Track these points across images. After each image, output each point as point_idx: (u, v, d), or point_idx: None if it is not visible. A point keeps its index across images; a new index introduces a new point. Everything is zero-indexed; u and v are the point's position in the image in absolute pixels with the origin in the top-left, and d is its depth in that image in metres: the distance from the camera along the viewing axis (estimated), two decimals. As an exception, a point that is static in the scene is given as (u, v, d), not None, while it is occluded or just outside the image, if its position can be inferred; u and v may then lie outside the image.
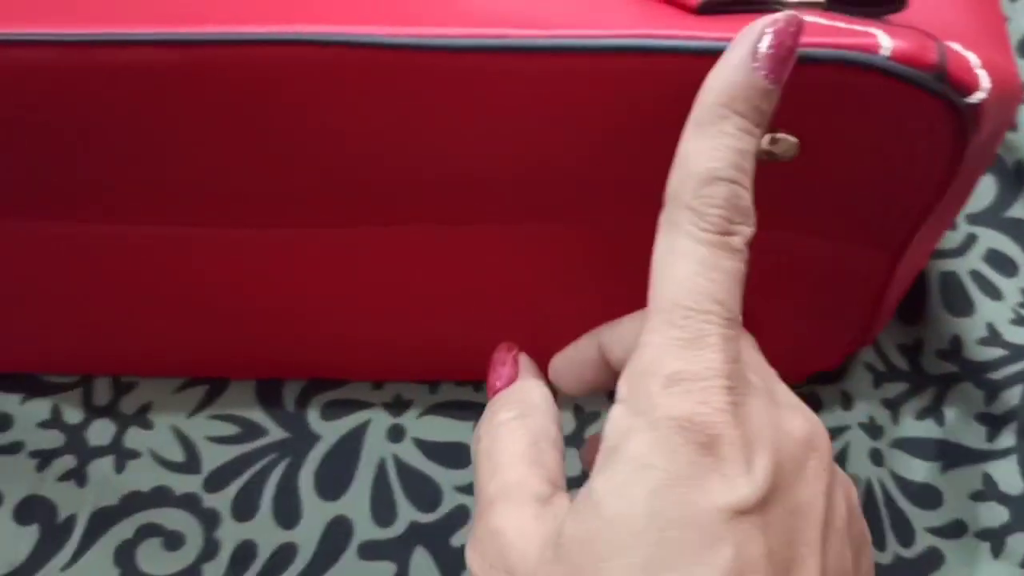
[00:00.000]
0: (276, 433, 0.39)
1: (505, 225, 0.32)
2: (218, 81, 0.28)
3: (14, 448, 0.38)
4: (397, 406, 0.39)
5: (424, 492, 0.38)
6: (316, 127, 0.29)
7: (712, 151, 0.24)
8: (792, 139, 0.28)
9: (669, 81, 0.27)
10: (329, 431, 0.39)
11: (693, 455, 0.22)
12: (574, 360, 0.30)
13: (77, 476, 0.38)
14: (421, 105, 0.28)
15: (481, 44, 0.27)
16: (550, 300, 0.35)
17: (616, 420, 0.24)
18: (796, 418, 0.24)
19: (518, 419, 0.27)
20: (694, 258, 0.23)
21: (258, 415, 0.39)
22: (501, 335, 0.37)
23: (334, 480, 0.38)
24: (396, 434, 0.39)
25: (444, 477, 0.38)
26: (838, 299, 0.36)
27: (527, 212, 0.32)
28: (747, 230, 0.24)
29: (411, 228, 0.33)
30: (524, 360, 0.30)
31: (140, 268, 0.35)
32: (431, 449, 0.38)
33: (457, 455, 0.38)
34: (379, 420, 0.39)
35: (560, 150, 0.29)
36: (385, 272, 0.35)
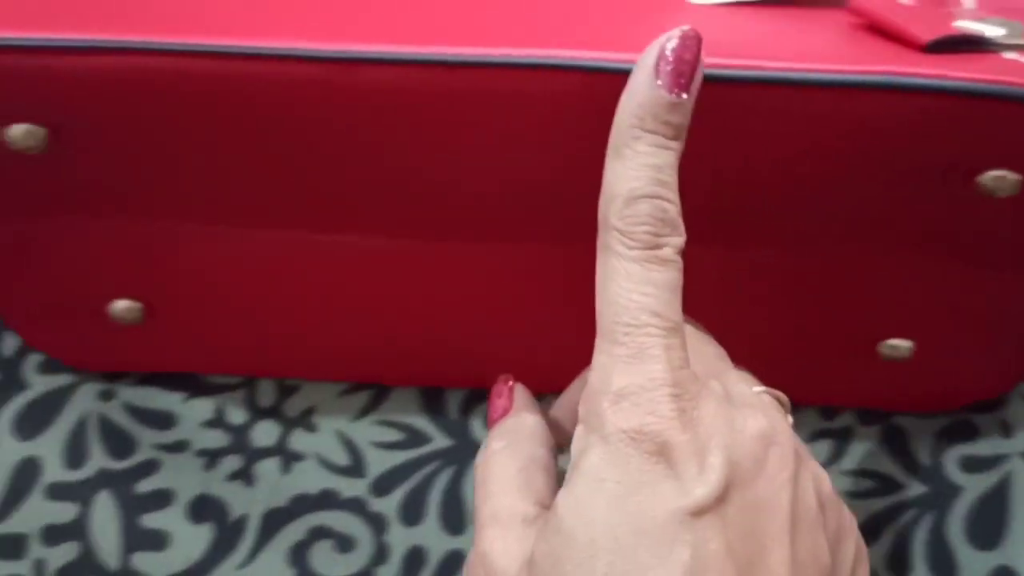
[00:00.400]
0: (441, 440, 0.39)
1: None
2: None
3: (181, 447, 0.39)
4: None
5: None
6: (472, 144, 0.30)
7: (630, 171, 0.25)
8: (1014, 177, 0.28)
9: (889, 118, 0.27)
10: (493, 440, 0.39)
11: (645, 464, 0.23)
12: (571, 399, 0.31)
13: (245, 476, 0.38)
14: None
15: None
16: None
17: (576, 440, 0.25)
18: (752, 416, 0.25)
19: (508, 448, 0.29)
20: (627, 276, 0.24)
21: (422, 422, 0.40)
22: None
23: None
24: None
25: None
26: (1002, 328, 0.37)
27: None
28: (676, 240, 0.25)
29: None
30: (519, 391, 0.32)
31: (309, 274, 0.36)
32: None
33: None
34: (542, 431, 0.39)
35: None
36: (542, 289, 0.35)
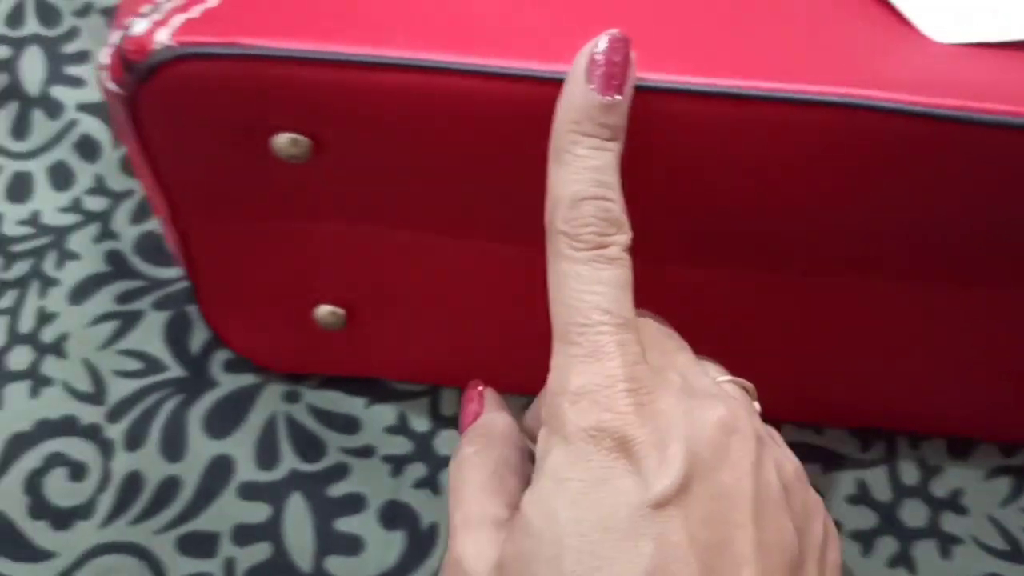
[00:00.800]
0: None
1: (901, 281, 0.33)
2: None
3: (367, 452, 0.39)
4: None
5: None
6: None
7: (571, 175, 0.25)
8: None
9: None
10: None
11: (606, 460, 0.24)
12: (540, 406, 0.31)
13: (431, 484, 0.39)
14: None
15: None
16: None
17: (539, 442, 0.26)
18: (713, 406, 0.25)
19: (479, 453, 0.29)
20: (576, 277, 0.25)
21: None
22: (844, 381, 0.38)
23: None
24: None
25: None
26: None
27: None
28: (622, 238, 0.26)
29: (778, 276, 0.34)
30: (489, 395, 0.32)
31: (499, 287, 0.36)
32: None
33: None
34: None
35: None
36: (730, 310, 0.36)
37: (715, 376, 0.28)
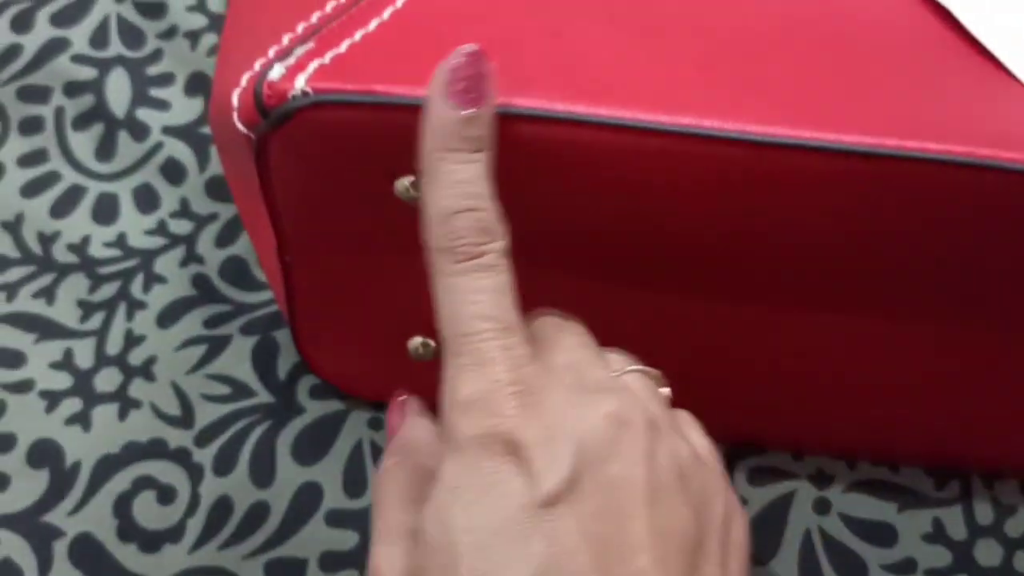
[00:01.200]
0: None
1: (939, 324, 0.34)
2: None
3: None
4: (821, 479, 0.40)
5: (851, 567, 0.39)
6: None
7: (441, 191, 0.26)
8: None
9: None
10: (756, 496, 0.40)
11: (497, 465, 0.24)
12: None
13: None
14: None
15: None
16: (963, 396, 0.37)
17: (439, 455, 0.26)
18: (603, 400, 0.26)
19: (399, 464, 0.29)
20: (455, 290, 0.26)
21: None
22: (918, 421, 0.39)
23: (761, 546, 0.39)
24: (822, 507, 0.40)
25: (871, 554, 0.39)
26: None
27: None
28: (497, 244, 0.26)
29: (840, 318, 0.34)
30: (411, 405, 0.32)
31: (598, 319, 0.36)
32: (857, 525, 0.40)
33: (882, 533, 0.39)
34: (805, 491, 0.40)
35: None
36: (813, 350, 0.36)
37: (620, 368, 0.28)
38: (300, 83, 0.28)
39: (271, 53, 0.30)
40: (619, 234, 0.31)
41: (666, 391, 0.29)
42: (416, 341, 0.37)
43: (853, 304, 0.34)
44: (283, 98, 0.28)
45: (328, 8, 0.32)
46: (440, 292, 0.26)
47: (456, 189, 0.26)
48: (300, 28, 0.31)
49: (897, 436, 0.40)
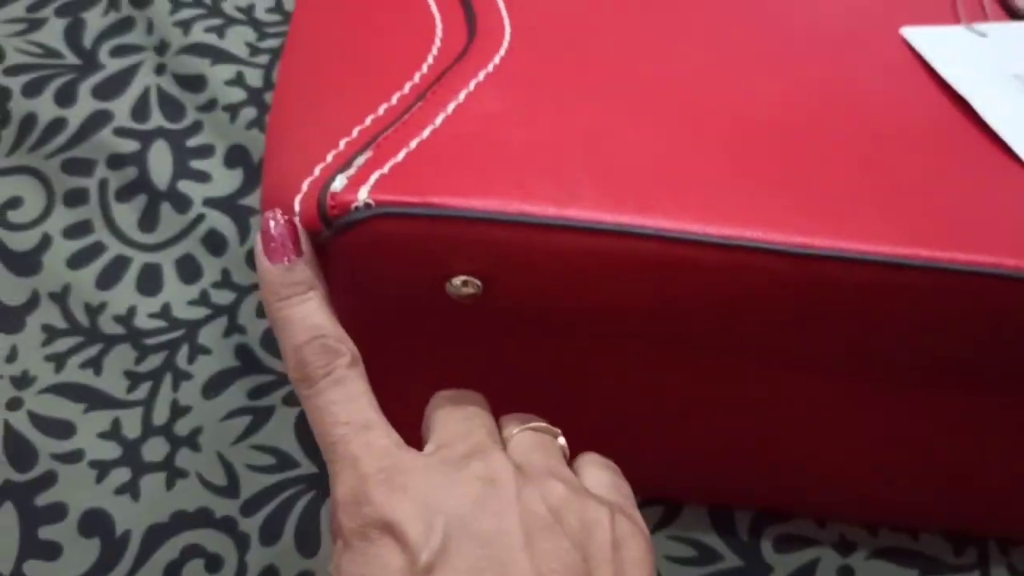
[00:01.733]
0: (731, 560, 0.41)
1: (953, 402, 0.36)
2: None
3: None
4: (844, 547, 0.42)
5: (874, 633, 0.40)
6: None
7: (286, 332, 0.29)
8: None
9: None
10: (781, 564, 0.42)
11: (378, 548, 0.26)
12: None
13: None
14: None
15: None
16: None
17: (334, 557, 0.28)
18: (472, 464, 0.28)
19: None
20: (316, 409, 0.29)
21: (713, 540, 0.42)
22: (935, 490, 0.40)
23: (788, 612, 0.41)
24: (846, 574, 0.41)
25: (893, 621, 0.41)
26: None
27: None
28: (343, 360, 0.29)
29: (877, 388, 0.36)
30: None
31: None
32: (880, 592, 0.41)
33: (905, 600, 0.41)
34: (828, 559, 0.42)
35: None
36: (844, 422, 0.38)
37: (515, 430, 0.31)
38: (363, 195, 0.29)
39: (329, 158, 0.31)
40: (665, 333, 0.33)
41: (561, 442, 0.31)
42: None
43: (876, 387, 0.35)
44: (346, 209, 0.29)
45: (380, 111, 0.33)
46: (310, 417, 0.29)
47: (296, 326, 0.29)
48: (356, 132, 0.32)
49: (916, 504, 0.42)
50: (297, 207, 0.31)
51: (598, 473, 0.31)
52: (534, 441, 0.30)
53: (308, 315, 0.29)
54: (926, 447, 0.38)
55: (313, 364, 0.29)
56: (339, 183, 0.30)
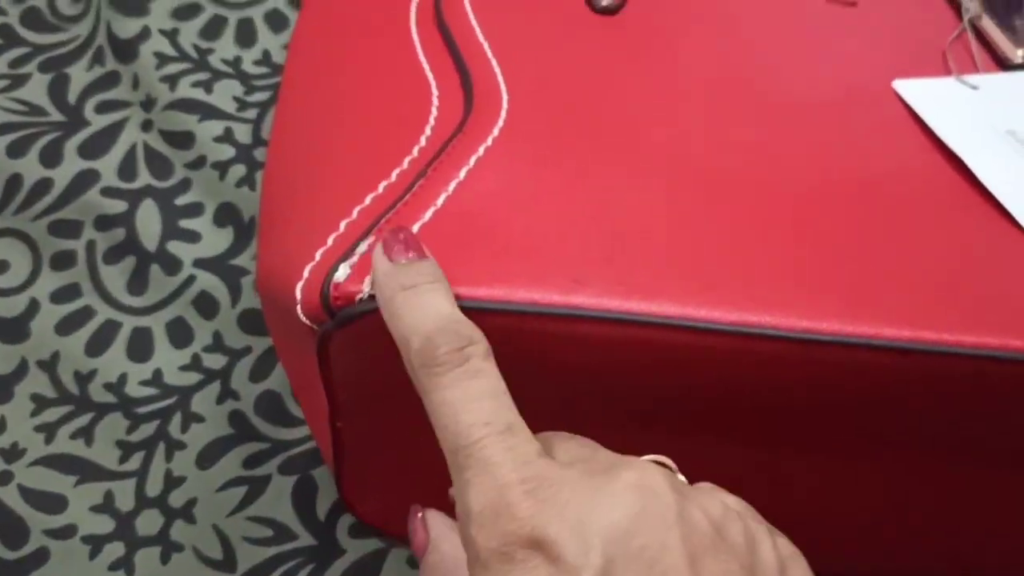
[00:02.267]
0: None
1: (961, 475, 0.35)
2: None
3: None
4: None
5: None
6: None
7: (410, 317, 0.27)
8: None
9: None
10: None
11: (526, 570, 0.23)
12: None
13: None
14: None
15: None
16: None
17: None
18: (623, 473, 0.25)
19: None
20: (446, 403, 0.25)
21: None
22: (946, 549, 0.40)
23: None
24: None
25: None
26: None
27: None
28: (477, 348, 0.26)
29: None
30: (432, 519, 0.31)
31: None
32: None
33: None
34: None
35: None
36: (851, 499, 0.37)
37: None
38: (367, 287, 0.29)
39: (330, 241, 0.31)
40: (677, 417, 0.32)
41: (681, 478, 0.29)
42: None
43: (885, 464, 0.35)
44: (350, 301, 0.29)
45: (380, 188, 0.33)
46: (434, 411, 0.26)
47: (423, 311, 0.27)
48: (356, 212, 0.32)
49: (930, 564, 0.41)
50: (299, 295, 0.30)
51: (728, 496, 0.28)
52: (661, 468, 0.27)
53: (438, 302, 0.27)
54: (930, 518, 0.38)
55: (446, 348, 0.26)
56: (342, 273, 0.29)
